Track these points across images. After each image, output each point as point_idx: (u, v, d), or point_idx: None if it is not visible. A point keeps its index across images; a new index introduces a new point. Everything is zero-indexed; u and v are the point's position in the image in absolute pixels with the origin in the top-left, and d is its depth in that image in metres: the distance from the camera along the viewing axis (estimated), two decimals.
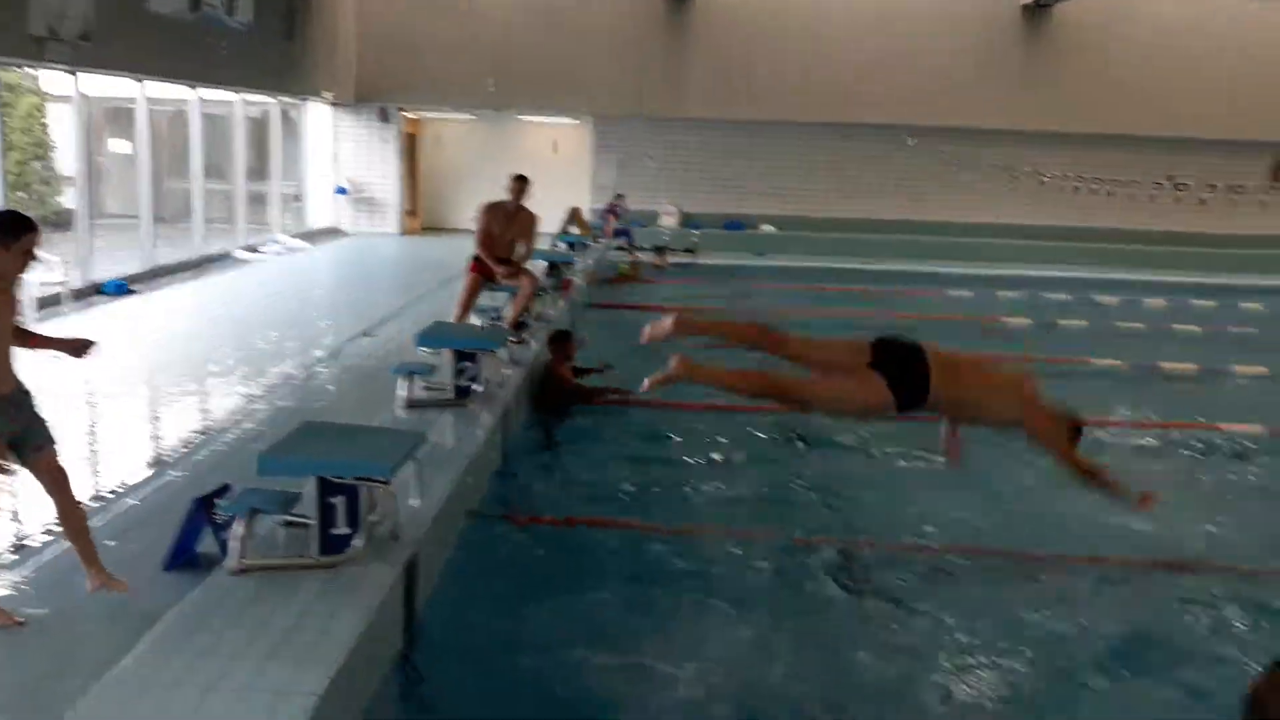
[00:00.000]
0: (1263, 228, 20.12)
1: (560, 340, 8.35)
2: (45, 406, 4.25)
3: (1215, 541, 5.80)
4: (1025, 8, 19.24)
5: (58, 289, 10.05)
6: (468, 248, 9.00)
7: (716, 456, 7.12)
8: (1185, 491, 6.72)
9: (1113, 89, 19.46)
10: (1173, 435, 8.03)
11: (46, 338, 4.46)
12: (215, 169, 15.37)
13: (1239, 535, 5.93)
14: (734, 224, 20.09)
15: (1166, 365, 10.39)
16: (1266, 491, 6.98)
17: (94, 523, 4.97)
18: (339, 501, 4.10)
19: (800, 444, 7.50)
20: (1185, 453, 7.69)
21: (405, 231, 19.87)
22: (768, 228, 20.05)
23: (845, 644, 4.50)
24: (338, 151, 19.49)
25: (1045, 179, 20.11)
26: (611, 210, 17.96)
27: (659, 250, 17.24)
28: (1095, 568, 5.38)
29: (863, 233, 19.77)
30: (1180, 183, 20.20)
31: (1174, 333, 12.66)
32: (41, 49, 9.84)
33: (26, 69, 14.00)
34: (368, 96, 19.25)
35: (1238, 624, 4.75)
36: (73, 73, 11.06)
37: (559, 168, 20.03)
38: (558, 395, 7.96)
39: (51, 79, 14.12)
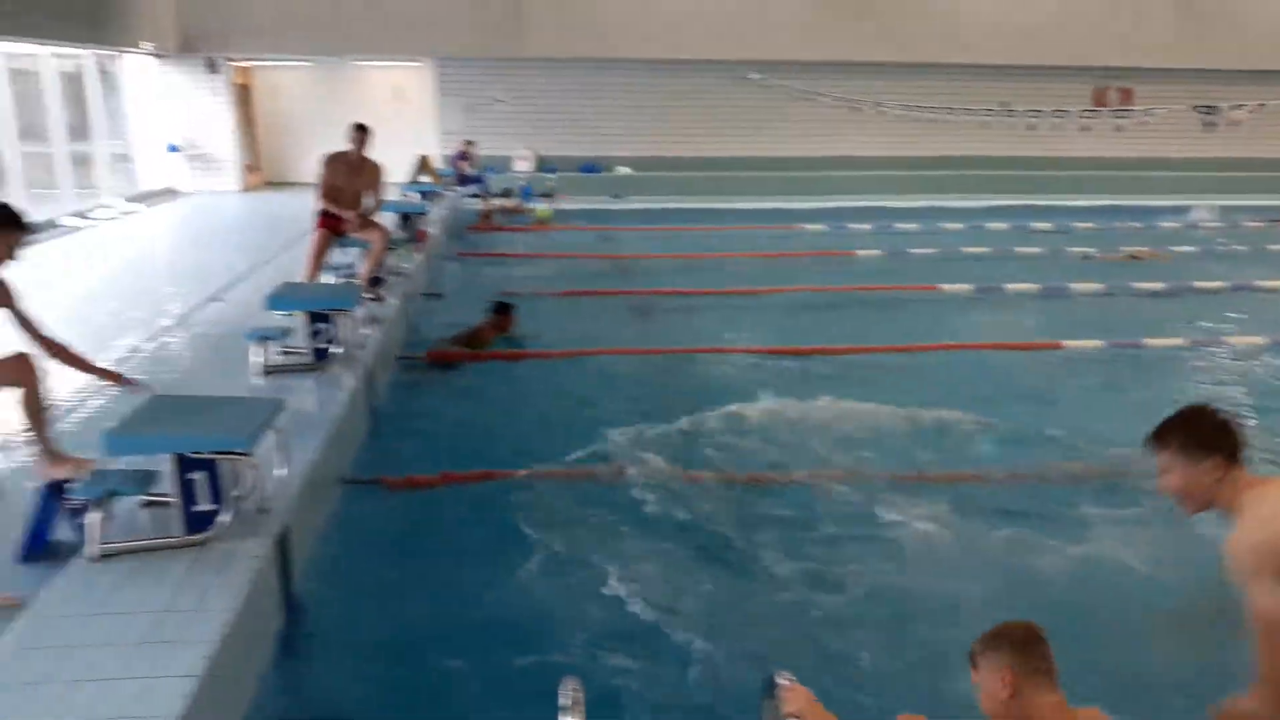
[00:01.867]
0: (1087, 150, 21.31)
1: (503, 311, 8.69)
2: None
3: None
4: None
5: None
6: (312, 201, 8.66)
7: (588, 401, 7.13)
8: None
9: (947, 19, 20.02)
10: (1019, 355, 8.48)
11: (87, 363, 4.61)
12: (30, 129, 14.29)
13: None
14: (590, 167, 19.96)
15: (1010, 287, 10.89)
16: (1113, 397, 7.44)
17: None
18: (199, 477, 3.94)
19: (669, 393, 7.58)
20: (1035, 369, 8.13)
21: (247, 188, 18.98)
22: (623, 169, 20.00)
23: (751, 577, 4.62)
24: (166, 107, 18.38)
25: (884, 110, 20.67)
26: (462, 156, 17.59)
27: (506, 194, 17.02)
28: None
29: (717, 170, 19.96)
30: (1010, 109, 21.10)
31: (1016, 255, 13.26)
32: None
33: None
34: (192, 46, 18.17)
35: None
36: None
37: (404, 114, 19.45)
38: (464, 356, 8.06)
39: None
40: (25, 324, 4.46)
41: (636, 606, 4.28)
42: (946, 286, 10.83)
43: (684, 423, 6.56)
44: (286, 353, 6.57)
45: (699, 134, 20.41)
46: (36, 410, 4.35)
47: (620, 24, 19.23)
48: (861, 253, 13.27)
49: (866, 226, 15.54)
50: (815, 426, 6.54)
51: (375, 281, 8.55)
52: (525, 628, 4.12)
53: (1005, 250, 13.45)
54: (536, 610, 4.26)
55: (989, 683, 2.58)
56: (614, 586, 4.43)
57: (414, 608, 4.32)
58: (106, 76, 16.66)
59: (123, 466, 4.12)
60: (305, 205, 8.14)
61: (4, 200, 4.26)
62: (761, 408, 6.89)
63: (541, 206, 16.37)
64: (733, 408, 6.84)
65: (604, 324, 9.48)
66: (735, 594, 4.49)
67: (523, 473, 5.63)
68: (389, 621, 4.22)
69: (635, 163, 20.10)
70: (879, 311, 10.28)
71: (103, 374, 4.76)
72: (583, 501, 5.35)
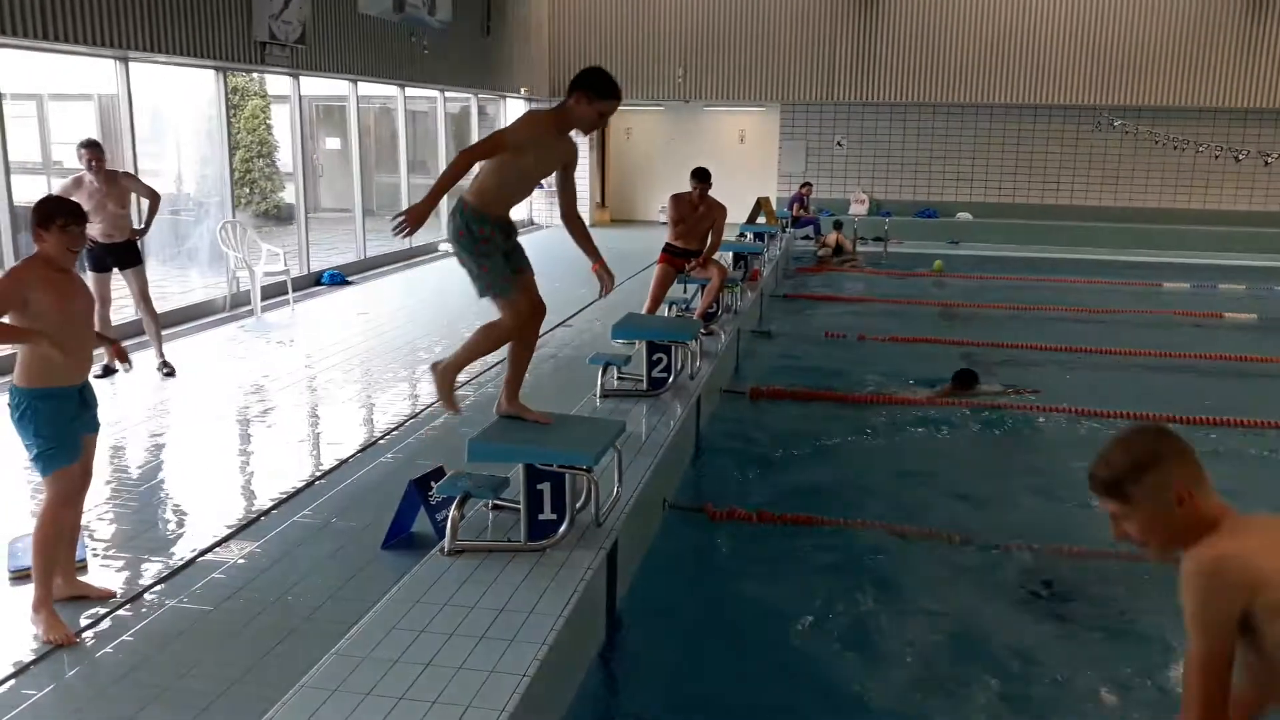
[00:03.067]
0: None
1: (965, 380, 8.19)
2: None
3: None
4: None
5: (281, 278, 10.75)
6: (656, 239, 9.08)
7: (917, 455, 6.94)
8: None
9: None
10: None
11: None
12: (420, 164, 16.11)
13: None
14: (927, 212, 19.50)
15: None
16: None
17: (316, 501, 5.33)
18: (545, 488, 4.23)
19: (999, 436, 7.22)
20: None
21: (595, 223, 20.26)
22: (964, 215, 19.37)
23: (1038, 651, 4.31)
24: None
25: (1271, 159, 18.61)
26: (800, 199, 17.77)
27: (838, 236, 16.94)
28: None
29: (1067, 219, 18.85)
30: None
31: None
32: (264, 53, 10.55)
33: (252, 73, 15.08)
34: (560, 91, 19.67)
35: None
36: (293, 74, 11.79)
37: (746, 157, 19.98)
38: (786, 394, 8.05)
39: (273, 81, 15.14)
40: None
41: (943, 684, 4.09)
42: None
43: (1016, 488, 6.22)
44: (624, 378, 6.93)
45: (1049, 181, 19.38)
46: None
47: (967, 71, 18.69)
48: (1230, 316, 12.00)
49: (1240, 287, 14.05)
50: None
51: (709, 317, 8.82)
52: (827, 682, 4.04)
53: None
54: (838, 669, 4.17)
55: (1154, 503, 2.36)
56: (931, 656, 4.26)
57: (721, 641, 4.38)
58: (485, 117, 18.43)
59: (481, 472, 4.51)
60: (647, 241, 8.60)
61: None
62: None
63: (937, 260, 15.77)
64: (1075, 474, 6.38)
65: (934, 373, 9.20)
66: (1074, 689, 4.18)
67: (834, 522, 5.55)
68: (698, 650, 4.30)
69: (976, 208, 19.40)
70: (1248, 384, 9.22)
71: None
72: (903, 560, 5.19)
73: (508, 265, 4.66)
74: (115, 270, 7.87)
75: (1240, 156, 18.74)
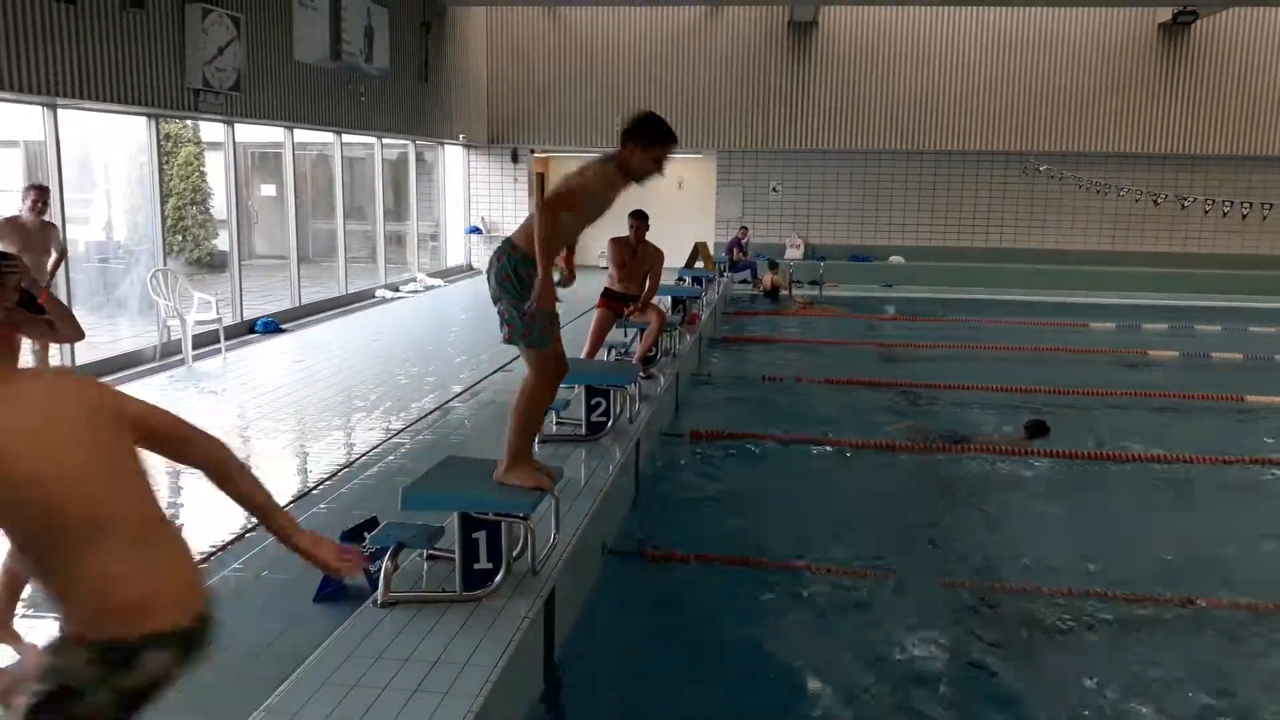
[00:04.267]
0: None
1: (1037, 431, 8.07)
2: None
3: None
4: (1162, 26, 18.51)
5: (214, 326, 10.59)
6: (595, 284, 9.12)
7: (855, 495, 7.01)
8: None
9: (1256, 108, 18.55)
10: None
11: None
12: (357, 210, 16.04)
13: None
14: (860, 256, 19.86)
15: None
16: None
17: (248, 553, 5.22)
18: (481, 536, 4.19)
19: (938, 485, 7.33)
20: None
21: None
22: (896, 259, 19.75)
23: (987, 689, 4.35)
24: (471, 192, 20.09)
25: (1187, 203, 19.30)
26: (736, 243, 18.00)
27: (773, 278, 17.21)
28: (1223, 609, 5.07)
29: (994, 261, 19.31)
30: None
31: None
32: (197, 100, 10.46)
33: (185, 120, 14.94)
34: (499, 138, 19.80)
35: None
36: (227, 122, 11.70)
37: (684, 203, 20.19)
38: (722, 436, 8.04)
39: (207, 128, 15.01)
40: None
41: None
42: (1253, 398, 9.86)
43: (947, 525, 6.30)
44: (561, 423, 6.92)
45: (978, 224, 19.87)
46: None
47: (899, 118, 19.17)
48: (1155, 354, 12.35)
49: (1162, 326, 14.48)
50: (1086, 538, 6.11)
51: (648, 360, 8.86)
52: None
53: None
54: (777, 709, 4.18)
55: None
56: (871, 694, 4.28)
57: (663, 685, 4.36)
58: (423, 164, 18.44)
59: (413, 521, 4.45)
60: (587, 286, 8.61)
61: None
62: (1036, 515, 6.52)
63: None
64: (997, 512, 6.51)
65: (868, 414, 9.33)
66: None
67: (775, 564, 5.57)
68: (637, 694, 4.28)
69: (909, 252, 19.80)
70: (1172, 419, 9.49)
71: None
72: (841, 600, 5.23)
73: (547, 315, 4.43)
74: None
75: (1159, 200, 19.41)
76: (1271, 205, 19.15)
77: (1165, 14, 18.13)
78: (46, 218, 7.95)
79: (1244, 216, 19.25)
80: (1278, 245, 19.27)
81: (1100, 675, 4.43)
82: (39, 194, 7.63)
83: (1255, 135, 18.67)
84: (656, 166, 4.43)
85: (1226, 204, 19.26)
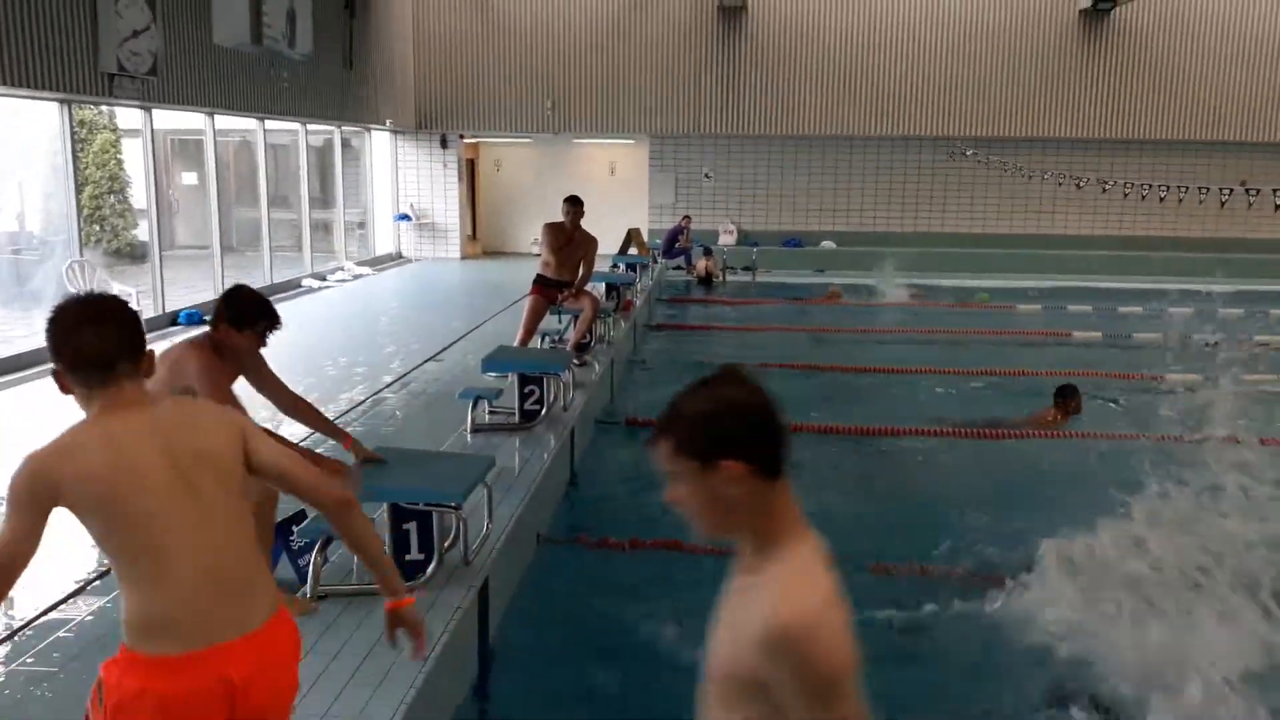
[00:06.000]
0: None
1: (1067, 395, 8.31)
2: None
3: None
4: (1083, 12, 18.90)
5: None
6: (528, 271, 9.05)
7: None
8: None
9: (1175, 93, 19.06)
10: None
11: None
12: (281, 198, 15.69)
13: None
14: (793, 241, 20.00)
15: (1250, 378, 10.05)
16: None
17: None
18: (411, 527, 4.13)
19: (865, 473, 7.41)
20: None
21: (465, 256, 20.08)
22: (828, 244, 19.93)
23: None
24: (399, 179, 19.79)
25: (1108, 186, 19.77)
26: (681, 230, 17.96)
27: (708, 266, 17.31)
28: None
29: (927, 246, 19.58)
30: (1252, 188, 19.74)
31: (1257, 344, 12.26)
32: (112, 85, 10.13)
33: (100, 106, 14.47)
34: (427, 123, 19.53)
35: None
36: (144, 108, 11.35)
37: (617, 189, 20.14)
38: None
39: (124, 114, 14.56)
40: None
41: None
42: (1171, 375, 10.13)
43: (876, 508, 6.37)
44: (495, 412, 6.85)
45: (907, 209, 20.14)
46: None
47: (830, 103, 19.31)
48: (1079, 334, 12.63)
49: (1086, 308, 14.82)
50: (1027, 514, 6.21)
51: (582, 348, 8.82)
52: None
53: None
54: None
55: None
56: None
57: (598, 669, 4.34)
58: (350, 150, 18.11)
59: None
60: (518, 273, 8.56)
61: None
62: (963, 496, 6.61)
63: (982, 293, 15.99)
64: (928, 493, 6.60)
65: (801, 399, 9.39)
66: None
67: (708, 549, 5.57)
68: (571, 679, 4.25)
69: (840, 237, 20.00)
70: (1097, 397, 9.71)
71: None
72: None
73: None
74: None
75: (1081, 184, 19.85)
76: (1187, 188, 19.71)
77: (1086, 0, 18.50)
78: None
79: (1161, 200, 19.77)
80: (1194, 227, 19.83)
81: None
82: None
83: (1175, 120, 19.16)
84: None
85: (1145, 187, 19.76)
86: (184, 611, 2.18)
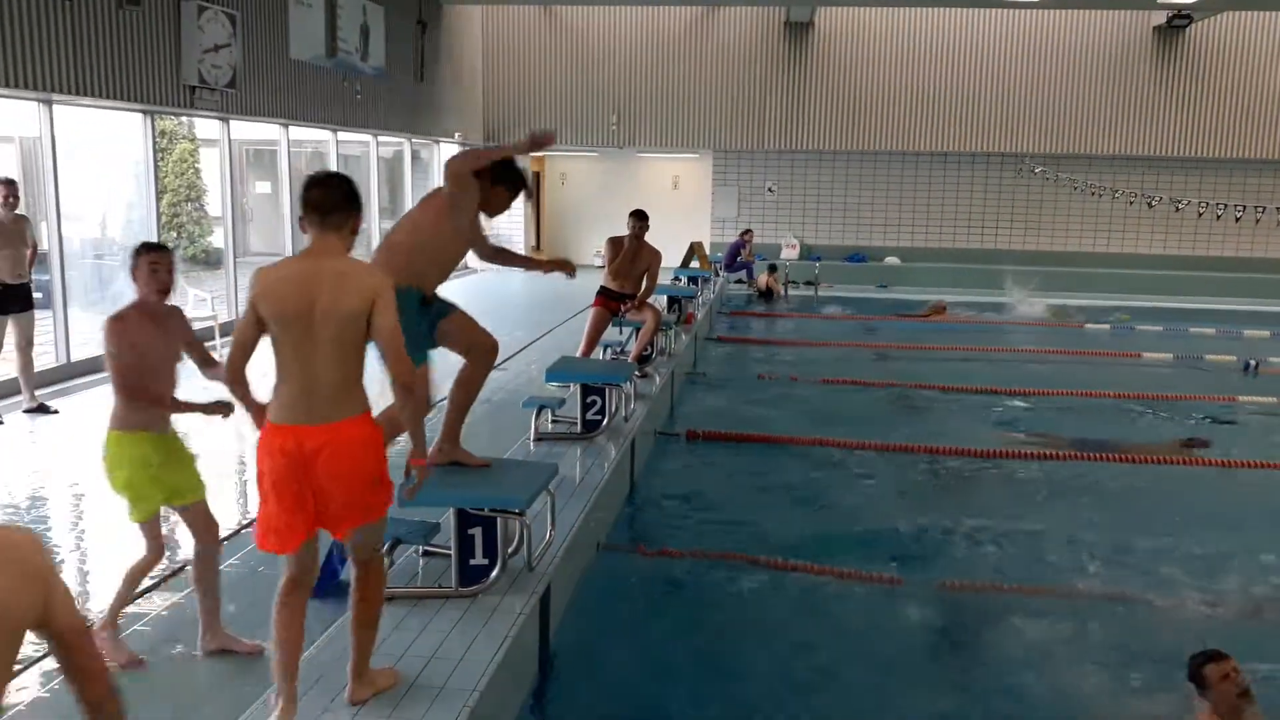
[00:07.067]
0: None
1: None
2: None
3: None
4: (1157, 29, 18.56)
5: (209, 323, 10.57)
6: (591, 283, 9.11)
7: (854, 496, 7.02)
8: None
9: (1250, 111, 18.61)
10: None
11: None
12: None
13: None
14: (856, 256, 19.88)
15: None
16: None
17: (246, 547, 5.22)
18: (477, 533, 4.20)
19: (935, 479, 7.34)
20: None
21: None
22: (892, 259, 19.77)
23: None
24: None
25: (1181, 205, 19.35)
26: (742, 245, 17.94)
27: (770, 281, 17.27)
28: None
29: (989, 263, 19.33)
30: None
31: None
32: (193, 97, 10.44)
33: (181, 117, 14.92)
34: (494, 136, 19.79)
35: None
36: (222, 119, 11.68)
37: (680, 202, 20.20)
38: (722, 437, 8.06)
39: (201, 125, 14.98)
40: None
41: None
42: (1244, 398, 9.90)
43: (945, 527, 6.31)
44: (558, 421, 6.92)
45: (974, 225, 19.91)
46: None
47: (896, 119, 19.19)
48: (1149, 355, 12.38)
49: (1157, 328, 14.52)
50: (1098, 538, 6.12)
51: (643, 359, 8.87)
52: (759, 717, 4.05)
53: None
54: (769, 705, 4.18)
55: None
56: (864, 694, 4.29)
57: (656, 677, 4.37)
58: (419, 162, 18.42)
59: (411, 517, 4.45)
60: (583, 285, 8.62)
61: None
62: (1035, 516, 6.53)
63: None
64: (1000, 514, 6.53)
65: (863, 415, 9.34)
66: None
67: (768, 561, 5.58)
68: (630, 687, 4.29)
69: (903, 253, 19.83)
70: (1167, 419, 9.51)
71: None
72: (836, 601, 5.23)
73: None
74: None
75: (1153, 202, 19.45)
76: (1264, 209, 19.21)
77: (1160, 17, 18.17)
78: (19, 211, 7.95)
79: (1237, 220, 19.30)
80: (1271, 248, 19.32)
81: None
82: (8, 188, 7.64)
83: (1250, 138, 18.71)
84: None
85: (1220, 206, 19.31)
86: (288, 400, 3.12)
